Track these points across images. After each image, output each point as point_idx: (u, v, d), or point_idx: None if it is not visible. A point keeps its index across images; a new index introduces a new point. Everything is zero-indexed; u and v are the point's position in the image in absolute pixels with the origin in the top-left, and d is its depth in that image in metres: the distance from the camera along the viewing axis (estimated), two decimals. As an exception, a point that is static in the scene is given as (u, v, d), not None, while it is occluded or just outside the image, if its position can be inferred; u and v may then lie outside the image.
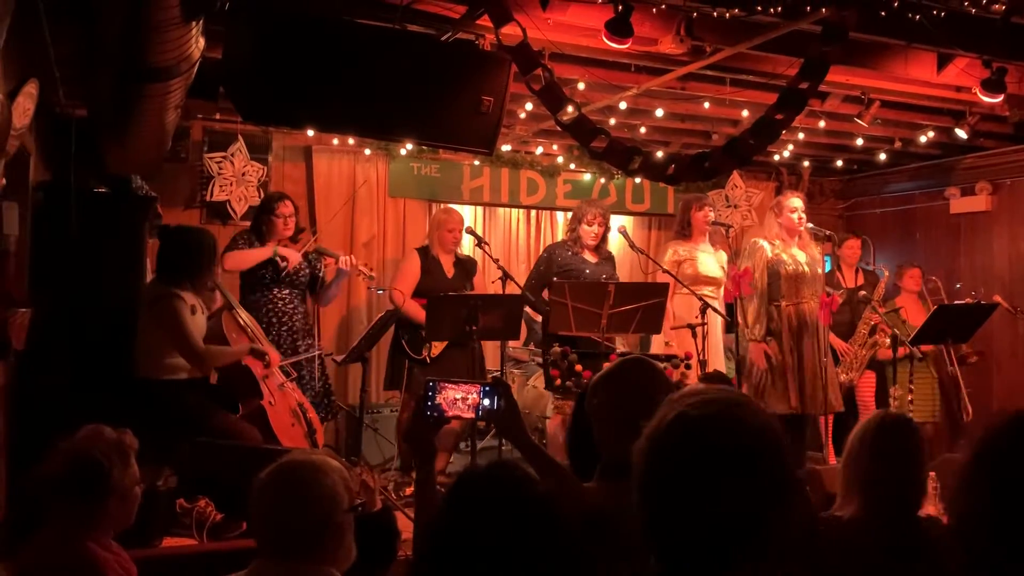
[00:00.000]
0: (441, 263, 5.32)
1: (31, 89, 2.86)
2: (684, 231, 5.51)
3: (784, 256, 5.16)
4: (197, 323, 4.04)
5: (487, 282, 6.76)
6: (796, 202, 5.26)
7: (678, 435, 1.12)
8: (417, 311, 5.02)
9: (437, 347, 5.12)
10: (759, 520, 1.10)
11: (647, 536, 1.14)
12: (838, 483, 2.43)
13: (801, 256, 5.19)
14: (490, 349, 6.84)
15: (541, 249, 7.54)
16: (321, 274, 5.19)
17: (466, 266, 5.47)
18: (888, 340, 5.55)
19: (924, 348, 5.67)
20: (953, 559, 2.03)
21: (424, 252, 5.35)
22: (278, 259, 4.89)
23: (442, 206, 6.13)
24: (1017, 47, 4.34)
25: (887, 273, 6.23)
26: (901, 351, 5.35)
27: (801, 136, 6.27)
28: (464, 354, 5.16)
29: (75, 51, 3.38)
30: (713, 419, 1.12)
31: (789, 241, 5.23)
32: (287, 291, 4.98)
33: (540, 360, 6.50)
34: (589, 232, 5.22)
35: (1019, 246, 6.71)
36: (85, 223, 3.83)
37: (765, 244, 5.21)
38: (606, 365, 4.59)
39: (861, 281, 6.36)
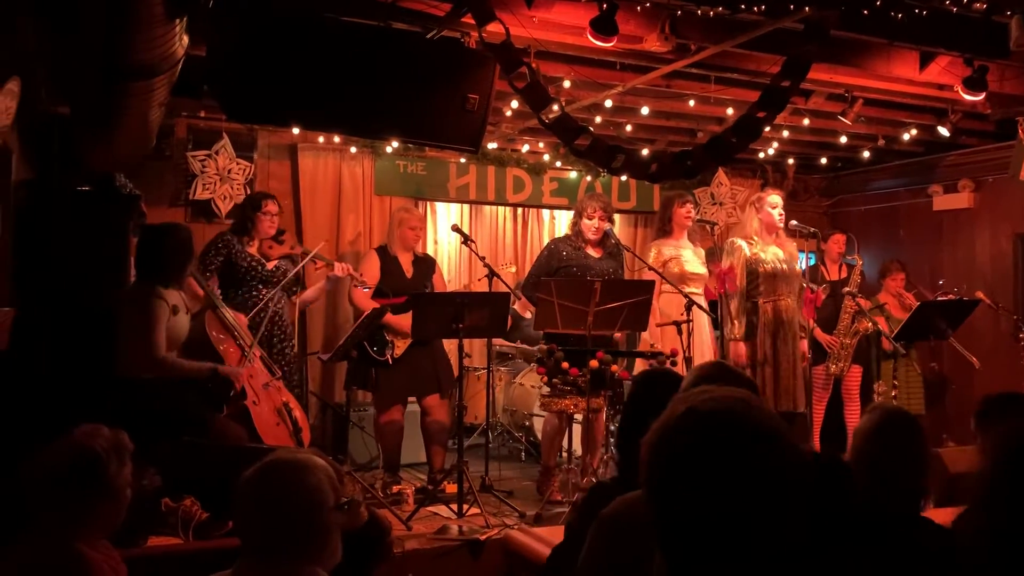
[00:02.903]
0: (400, 262, 5.26)
1: (13, 87, 2.85)
2: (665, 227, 5.53)
3: (762, 254, 5.22)
4: (180, 322, 3.97)
5: (473, 280, 6.78)
6: (776, 199, 5.32)
7: (685, 429, 1.12)
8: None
9: (399, 348, 5.11)
10: (764, 518, 1.09)
11: (655, 532, 1.13)
12: None
13: (779, 253, 5.25)
14: (476, 346, 6.86)
15: (527, 247, 7.58)
16: (302, 274, 5.16)
17: (425, 265, 5.41)
18: (870, 324, 5.60)
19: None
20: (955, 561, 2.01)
21: (383, 252, 5.29)
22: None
23: (407, 205, 6.07)
24: (998, 46, 4.36)
25: (860, 260, 6.28)
26: (885, 344, 5.41)
27: (786, 134, 6.31)
28: (426, 354, 5.16)
29: (58, 49, 3.36)
30: (721, 414, 1.12)
31: (767, 238, 5.28)
32: (272, 291, 4.96)
33: (525, 357, 6.52)
34: (590, 226, 5.16)
35: (1001, 243, 6.78)
36: (68, 222, 3.80)
37: (743, 243, 5.26)
38: (593, 363, 4.63)
39: (844, 275, 6.42)
